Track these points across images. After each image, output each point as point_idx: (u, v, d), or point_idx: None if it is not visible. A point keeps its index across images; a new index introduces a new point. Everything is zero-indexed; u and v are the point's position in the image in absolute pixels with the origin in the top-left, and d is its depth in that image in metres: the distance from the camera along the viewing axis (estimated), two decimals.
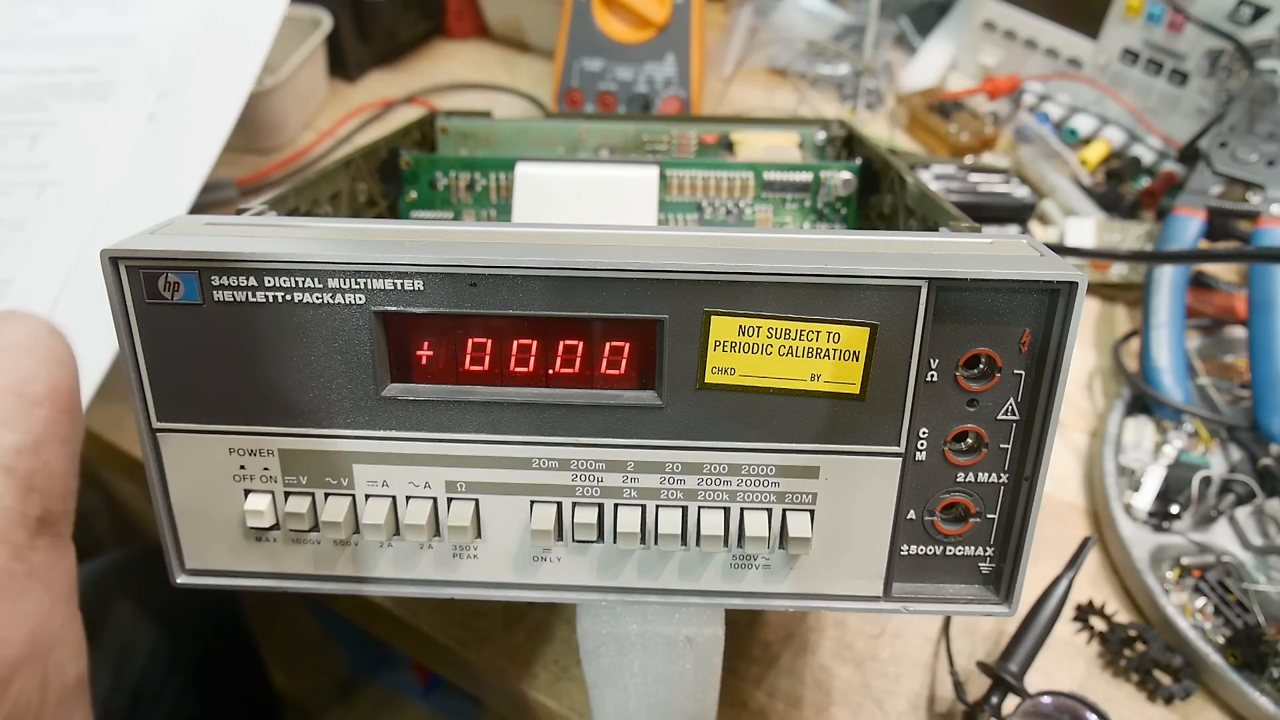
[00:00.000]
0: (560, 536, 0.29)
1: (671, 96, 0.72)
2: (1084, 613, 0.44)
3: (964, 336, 0.27)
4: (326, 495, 0.29)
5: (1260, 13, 0.62)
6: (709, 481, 0.29)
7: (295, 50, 0.72)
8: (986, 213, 0.63)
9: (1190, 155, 0.65)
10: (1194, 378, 0.54)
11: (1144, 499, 0.47)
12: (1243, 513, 0.47)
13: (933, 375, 0.27)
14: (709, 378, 0.27)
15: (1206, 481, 0.48)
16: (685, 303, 0.26)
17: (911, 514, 0.29)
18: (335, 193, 0.43)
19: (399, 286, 0.26)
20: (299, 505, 0.29)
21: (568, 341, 0.27)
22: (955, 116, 0.75)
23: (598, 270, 0.26)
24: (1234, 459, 0.50)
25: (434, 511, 0.29)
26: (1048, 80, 0.76)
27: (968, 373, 0.27)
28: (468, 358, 0.27)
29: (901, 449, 0.28)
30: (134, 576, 0.59)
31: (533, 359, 0.27)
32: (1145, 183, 0.69)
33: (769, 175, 0.47)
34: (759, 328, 0.26)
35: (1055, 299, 0.26)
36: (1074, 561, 0.40)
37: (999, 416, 0.27)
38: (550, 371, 0.28)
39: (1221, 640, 0.42)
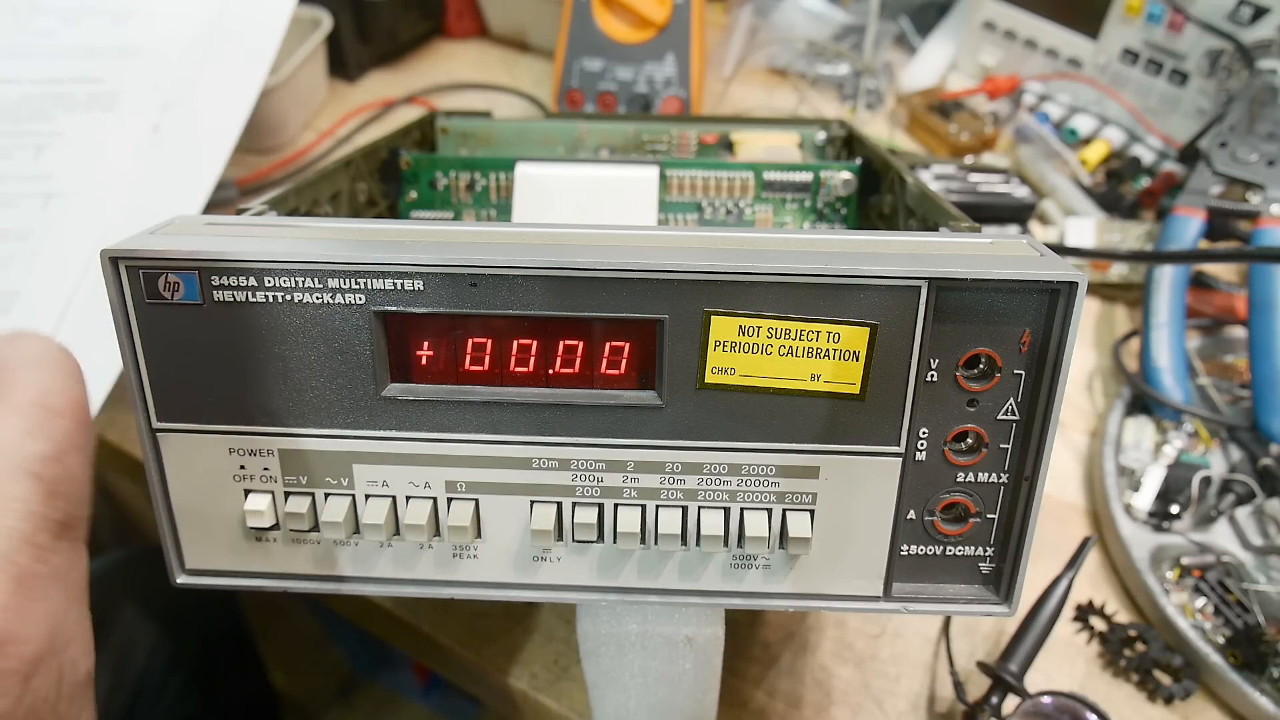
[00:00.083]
0: (560, 536, 0.29)
1: (671, 96, 0.72)
2: (1084, 613, 0.44)
3: (964, 336, 0.27)
4: (326, 495, 0.29)
5: (1260, 13, 0.62)
6: (709, 481, 0.29)
7: (295, 50, 0.72)
8: (986, 213, 0.63)
9: (1190, 155, 0.65)
10: (1194, 378, 0.54)
11: (1144, 499, 0.47)
12: (1243, 513, 0.47)
13: (933, 375, 0.27)
14: (709, 378, 0.27)
15: (1206, 481, 0.48)
16: (685, 303, 0.26)
17: (911, 514, 0.29)
18: (335, 193, 0.43)
19: (399, 286, 0.26)
20: (299, 505, 0.29)
21: (568, 341, 0.27)
22: (955, 116, 0.75)
23: (598, 270, 0.26)
24: (1234, 459, 0.50)
25: (434, 511, 0.29)
26: (1048, 80, 0.76)
27: (968, 373, 0.27)
28: (468, 358, 0.27)
29: (901, 449, 0.28)
30: (134, 576, 0.59)
31: (533, 359, 0.27)
32: (1145, 183, 0.69)
33: (769, 175, 0.47)
34: (759, 328, 0.26)
35: (1055, 299, 0.26)
36: (1074, 561, 0.40)
37: (999, 416, 0.28)
38: (550, 371, 0.28)
39: (1221, 640, 0.42)
